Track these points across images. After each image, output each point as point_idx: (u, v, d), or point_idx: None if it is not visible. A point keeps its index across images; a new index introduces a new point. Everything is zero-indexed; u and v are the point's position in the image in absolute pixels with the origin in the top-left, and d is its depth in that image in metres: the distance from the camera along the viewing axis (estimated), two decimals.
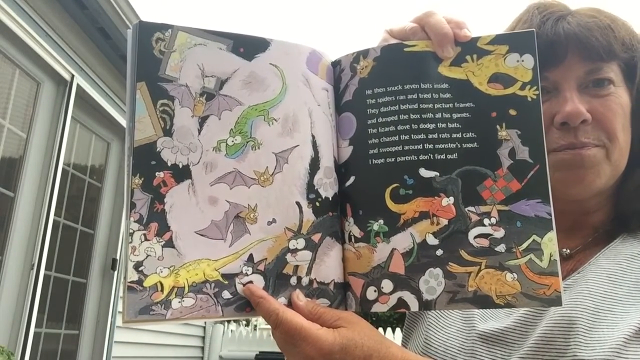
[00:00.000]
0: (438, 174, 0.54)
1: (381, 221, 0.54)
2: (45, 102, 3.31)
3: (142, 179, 0.49)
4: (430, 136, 0.54)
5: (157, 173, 0.50)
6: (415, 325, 0.77)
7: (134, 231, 0.48)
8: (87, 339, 3.92)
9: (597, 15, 0.68)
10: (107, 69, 3.93)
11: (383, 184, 0.54)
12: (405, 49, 0.57)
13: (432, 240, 0.53)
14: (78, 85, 3.52)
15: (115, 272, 4.13)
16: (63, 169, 3.41)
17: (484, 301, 0.51)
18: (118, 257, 4.16)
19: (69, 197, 3.69)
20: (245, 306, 0.51)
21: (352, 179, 0.56)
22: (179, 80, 0.52)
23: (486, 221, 0.53)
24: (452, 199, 0.53)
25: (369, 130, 0.56)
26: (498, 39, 0.56)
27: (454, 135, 0.54)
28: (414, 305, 0.52)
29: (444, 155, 0.54)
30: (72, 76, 3.45)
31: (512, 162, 0.54)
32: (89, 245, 4.00)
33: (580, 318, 0.59)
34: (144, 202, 0.49)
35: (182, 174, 0.51)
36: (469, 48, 0.56)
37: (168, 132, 0.51)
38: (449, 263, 0.52)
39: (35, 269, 3.12)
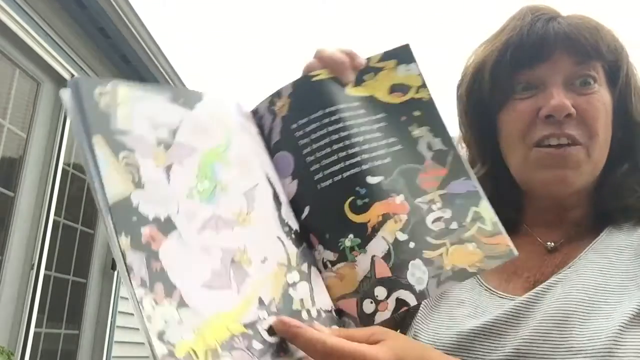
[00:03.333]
0: (383, 177, 0.58)
1: (351, 236, 0.55)
2: (45, 102, 3.31)
3: (129, 237, 0.45)
4: (363, 147, 0.58)
5: (142, 229, 0.46)
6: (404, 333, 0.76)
7: (142, 297, 0.43)
8: (87, 339, 3.93)
9: (585, 18, 0.71)
10: (107, 69, 3.93)
11: (339, 201, 0.56)
12: (313, 79, 0.61)
13: (402, 236, 0.55)
14: None
15: (115, 272, 4.13)
16: (63, 169, 3.41)
17: (462, 274, 0.54)
18: None
19: (69, 197, 3.69)
20: (279, 351, 0.48)
21: (306, 209, 0.57)
22: (133, 132, 0.49)
23: (434, 207, 0.58)
24: (402, 195, 0.57)
25: (307, 159, 0.58)
26: (385, 56, 0.64)
27: (380, 143, 0.60)
28: (411, 300, 0.53)
29: (380, 161, 0.58)
30: (72, 76, 3.46)
31: (432, 153, 0.61)
32: (89, 245, 4.01)
33: (575, 311, 0.60)
34: (140, 262, 0.45)
35: (166, 226, 0.47)
36: (365, 69, 0.63)
37: (139, 185, 0.47)
38: (423, 251, 0.55)
39: (35, 269, 3.12)
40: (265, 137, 0.61)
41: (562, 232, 0.73)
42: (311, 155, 0.58)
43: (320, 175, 0.57)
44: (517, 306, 0.64)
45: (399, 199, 0.57)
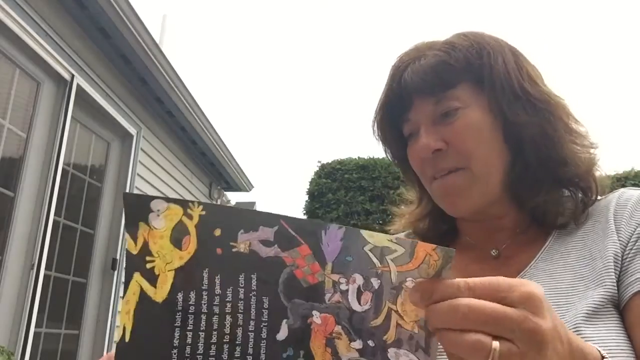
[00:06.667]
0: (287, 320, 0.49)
1: None
2: (45, 102, 3.31)
3: None
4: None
5: None
6: None
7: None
8: (87, 339, 3.93)
9: (442, 47, 0.73)
10: (107, 69, 3.93)
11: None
12: None
13: (357, 344, 0.48)
14: (78, 85, 3.52)
15: (115, 272, 4.13)
16: (63, 169, 3.41)
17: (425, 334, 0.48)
18: (118, 257, 4.16)
19: (69, 197, 3.69)
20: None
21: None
22: None
23: (341, 286, 0.49)
24: (316, 313, 0.49)
25: None
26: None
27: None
28: None
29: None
30: (72, 76, 3.45)
31: (277, 245, 0.49)
32: (89, 245, 4.01)
33: None
34: None
35: None
36: None
37: None
38: (383, 339, 0.48)
39: (35, 269, 3.12)
40: None
41: (504, 238, 0.76)
42: None
43: None
44: None
45: (315, 316, 0.49)
